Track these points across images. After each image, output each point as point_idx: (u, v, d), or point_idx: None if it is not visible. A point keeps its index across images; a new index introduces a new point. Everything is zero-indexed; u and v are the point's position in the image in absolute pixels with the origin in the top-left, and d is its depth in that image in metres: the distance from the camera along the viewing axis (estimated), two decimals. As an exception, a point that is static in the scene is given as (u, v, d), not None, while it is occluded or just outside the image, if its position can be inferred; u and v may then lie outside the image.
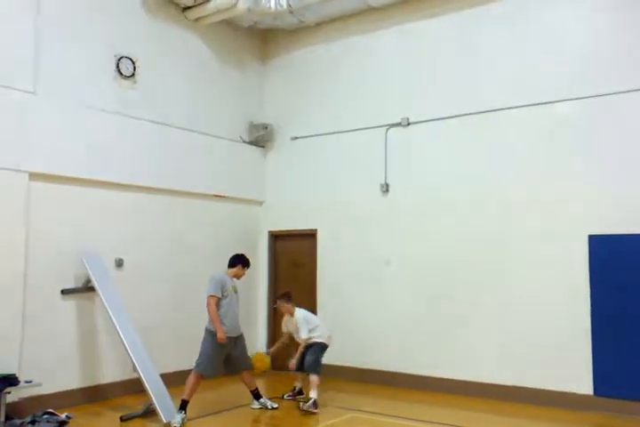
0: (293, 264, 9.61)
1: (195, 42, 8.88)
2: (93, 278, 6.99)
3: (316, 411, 6.71)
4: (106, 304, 6.89)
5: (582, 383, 6.85)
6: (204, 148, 8.86)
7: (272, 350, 7.73)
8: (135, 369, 6.57)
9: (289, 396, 7.43)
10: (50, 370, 6.67)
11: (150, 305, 7.85)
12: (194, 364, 6.57)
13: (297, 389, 7.46)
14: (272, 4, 8.57)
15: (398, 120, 8.51)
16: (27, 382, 6.22)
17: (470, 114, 7.90)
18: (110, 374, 7.37)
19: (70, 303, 7.06)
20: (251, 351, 7.53)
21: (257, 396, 7.01)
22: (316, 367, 6.99)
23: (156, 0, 8.26)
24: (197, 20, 8.75)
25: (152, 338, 7.42)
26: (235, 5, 8.28)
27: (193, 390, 6.44)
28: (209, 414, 6.69)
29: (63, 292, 6.96)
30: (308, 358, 7.03)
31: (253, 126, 9.70)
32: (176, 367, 7.77)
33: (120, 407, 6.82)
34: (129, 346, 6.66)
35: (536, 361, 7.14)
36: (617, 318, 6.71)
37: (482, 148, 7.78)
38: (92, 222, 7.30)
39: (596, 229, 6.91)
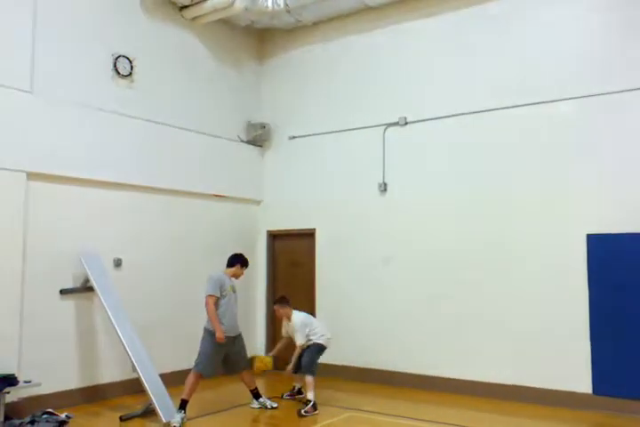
0: (292, 264, 9.61)
1: (192, 41, 8.87)
2: (92, 278, 6.98)
3: (315, 413, 6.69)
4: (104, 304, 6.89)
5: (581, 382, 6.86)
6: (201, 147, 8.85)
7: (273, 353, 7.56)
8: (134, 369, 6.56)
9: (288, 395, 7.43)
10: (49, 370, 6.66)
11: (149, 305, 7.84)
12: (193, 363, 6.57)
13: (296, 388, 7.45)
14: (269, 4, 8.56)
15: (396, 119, 8.52)
16: (26, 382, 6.21)
17: (468, 113, 7.91)
18: (109, 373, 7.37)
19: (69, 303, 7.05)
20: (250, 353, 7.52)
21: (256, 395, 7.01)
22: (311, 368, 6.94)
23: (154, -1, 8.28)
24: (194, 19, 8.74)
25: (151, 338, 7.41)
26: (232, 4, 8.28)
27: (192, 390, 6.44)
28: (208, 414, 6.69)
29: (62, 291, 6.95)
30: (304, 359, 6.99)
31: (251, 126, 9.69)
32: (175, 367, 7.77)
33: (119, 407, 6.82)
34: (128, 346, 6.66)
35: (535, 360, 7.16)
36: (615, 317, 6.72)
37: (480, 147, 7.78)
38: (90, 222, 7.29)
39: (594, 228, 6.93)
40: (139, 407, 6.58)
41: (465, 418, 6.51)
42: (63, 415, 6.10)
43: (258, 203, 9.86)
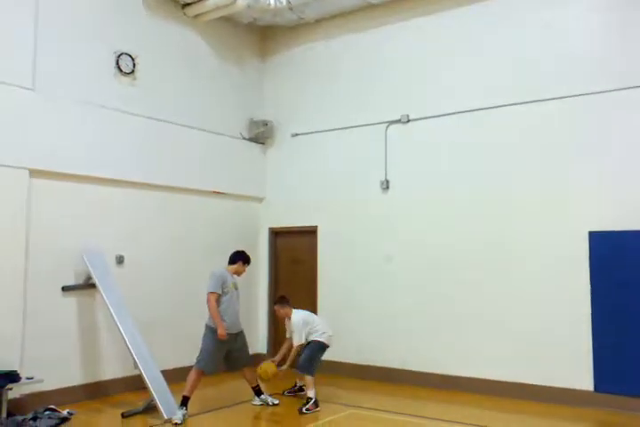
0: (294, 261, 9.62)
1: (194, 38, 8.87)
2: (94, 275, 7.01)
3: (317, 410, 6.70)
4: (106, 301, 6.91)
5: (583, 380, 6.86)
6: (204, 144, 8.86)
7: (277, 359, 7.34)
8: (136, 366, 6.58)
9: (289, 392, 7.44)
10: (51, 367, 6.68)
11: (151, 302, 7.86)
12: (194, 360, 6.58)
13: (298, 385, 7.44)
14: (271, 1, 8.57)
15: (398, 117, 8.51)
16: (28, 378, 6.23)
17: (470, 111, 7.90)
18: (111, 370, 7.39)
19: (71, 300, 7.07)
20: (252, 350, 7.54)
21: (258, 392, 7.02)
22: (309, 368, 6.87)
23: (156, -3, 8.28)
24: (197, 16, 8.74)
25: (152, 334, 7.43)
26: (234, 2, 8.28)
27: (194, 387, 6.46)
28: (210, 411, 6.71)
29: (64, 288, 6.97)
30: (302, 357, 6.96)
31: (253, 123, 9.69)
32: (176, 364, 7.79)
33: (121, 404, 6.84)
34: (129, 342, 6.68)
35: (536, 358, 7.16)
36: (617, 315, 6.72)
37: (482, 145, 7.78)
38: (92, 219, 7.31)
39: (596, 225, 6.92)
40: (140, 404, 6.60)
41: (466, 415, 6.52)
42: (65, 412, 6.12)
43: (260, 200, 9.87)
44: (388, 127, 8.61)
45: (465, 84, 7.99)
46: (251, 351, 7.27)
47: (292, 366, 7.13)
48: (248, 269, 7.22)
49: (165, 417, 6.19)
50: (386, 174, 8.55)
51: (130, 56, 7.82)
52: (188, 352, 7.12)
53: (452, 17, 8.18)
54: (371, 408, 6.82)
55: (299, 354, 7.04)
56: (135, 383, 7.03)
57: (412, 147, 8.39)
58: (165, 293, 8.11)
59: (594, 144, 7.02)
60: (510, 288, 7.42)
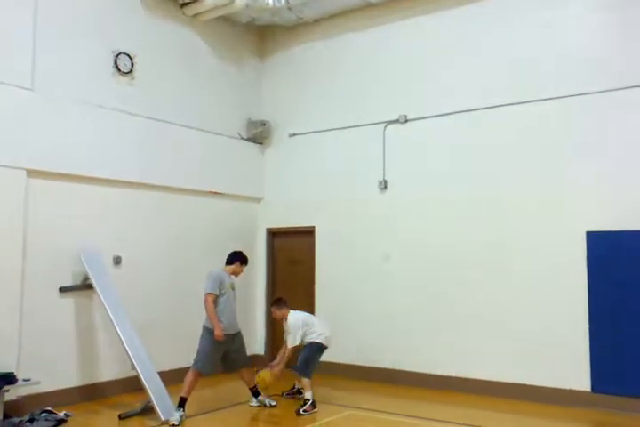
0: (291, 261, 9.60)
1: (193, 38, 8.85)
2: (91, 276, 6.98)
3: (315, 411, 6.68)
4: (104, 302, 6.89)
5: (580, 380, 6.86)
6: (202, 144, 8.84)
7: (277, 364, 7.15)
8: (133, 367, 6.57)
9: (288, 394, 7.41)
10: (48, 368, 6.65)
11: (148, 303, 7.83)
12: (192, 361, 6.56)
13: (296, 387, 7.41)
14: (270, 1, 8.55)
15: (396, 117, 8.50)
16: (25, 380, 6.22)
17: (468, 111, 7.89)
18: (108, 371, 7.36)
19: (68, 301, 7.04)
20: (249, 351, 7.52)
21: (256, 393, 7.00)
22: (306, 369, 6.83)
23: (154, -4, 8.25)
24: (195, 16, 8.71)
25: (150, 336, 7.41)
26: (233, 1, 8.26)
27: (191, 388, 6.44)
28: (207, 412, 6.69)
29: (61, 289, 6.94)
30: (299, 359, 6.92)
31: (251, 123, 9.67)
32: (174, 365, 7.76)
33: (118, 405, 6.82)
34: (127, 344, 6.66)
35: (534, 358, 7.15)
36: (615, 315, 6.72)
37: (480, 145, 7.76)
38: (90, 220, 7.28)
39: (594, 225, 6.92)
40: (138, 405, 6.58)
41: (464, 416, 6.50)
42: (62, 414, 6.13)
43: (258, 200, 9.85)
44: (386, 127, 8.59)
45: (463, 84, 7.98)
46: (248, 352, 7.25)
47: (287, 366, 7.10)
48: (245, 269, 7.20)
49: (162, 419, 6.17)
50: (384, 174, 8.54)
51: (128, 55, 7.79)
52: (185, 353, 7.08)
53: (451, 16, 8.17)
54: (370, 409, 6.81)
55: (296, 356, 7.00)
56: (132, 385, 7.00)
57: (410, 147, 8.38)
58: (163, 293, 8.09)
59: (591, 144, 7.02)
60: (509, 288, 7.41)
